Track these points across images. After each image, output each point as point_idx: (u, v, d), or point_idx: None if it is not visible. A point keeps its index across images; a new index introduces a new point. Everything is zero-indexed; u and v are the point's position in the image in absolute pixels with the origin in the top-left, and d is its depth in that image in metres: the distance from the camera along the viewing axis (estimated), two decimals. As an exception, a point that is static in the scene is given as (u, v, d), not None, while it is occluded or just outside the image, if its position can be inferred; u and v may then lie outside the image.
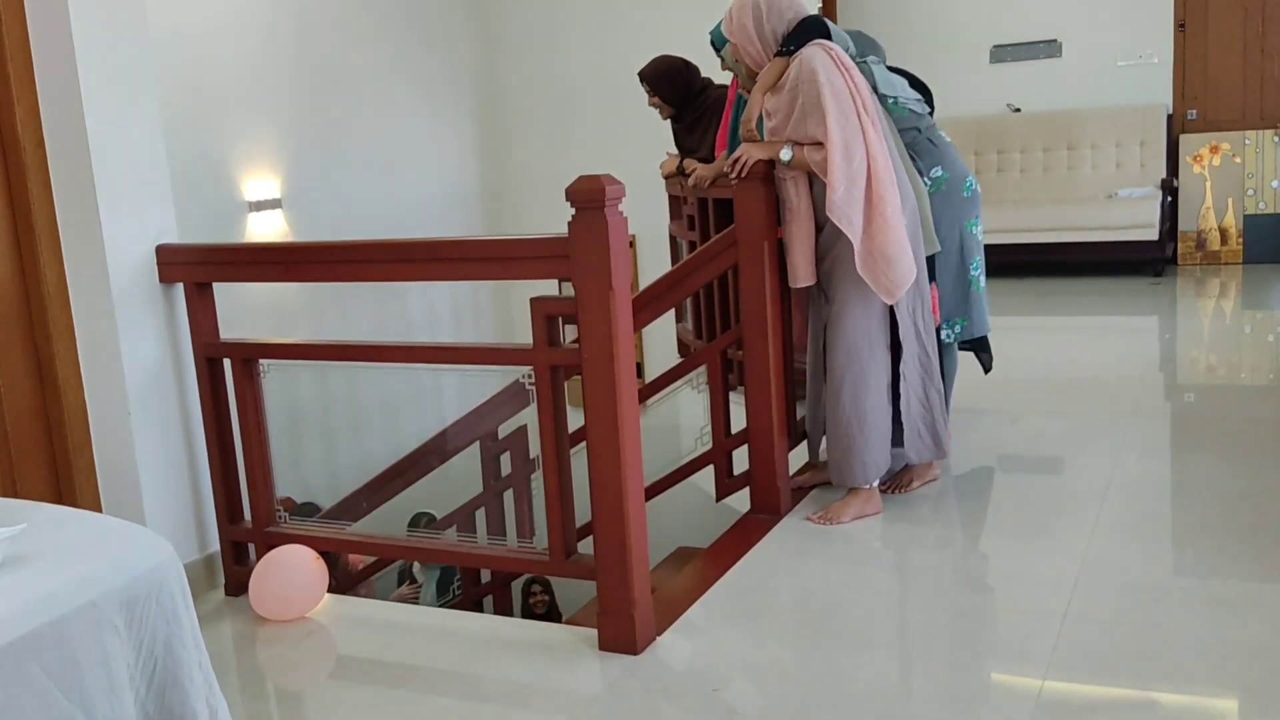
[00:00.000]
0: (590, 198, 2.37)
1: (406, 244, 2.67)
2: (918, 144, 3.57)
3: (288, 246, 2.97)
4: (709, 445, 3.50)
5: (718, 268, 3.37)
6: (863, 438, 3.21)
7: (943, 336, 3.61)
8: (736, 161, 3.21)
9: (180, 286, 2.95)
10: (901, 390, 3.24)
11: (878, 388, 3.22)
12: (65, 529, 1.59)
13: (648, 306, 3.46)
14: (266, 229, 5.34)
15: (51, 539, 1.51)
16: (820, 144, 3.06)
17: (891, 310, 3.20)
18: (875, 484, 3.31)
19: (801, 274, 3.23)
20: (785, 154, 3.12)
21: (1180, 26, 7.41)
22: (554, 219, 7.04)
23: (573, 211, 2.41)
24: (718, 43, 3.90)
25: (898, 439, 3.36)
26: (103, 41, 2.81)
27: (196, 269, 2.90)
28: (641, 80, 4.53)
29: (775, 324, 3.25)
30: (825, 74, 3.05)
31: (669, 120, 4.61)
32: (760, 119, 3.28)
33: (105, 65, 2.82)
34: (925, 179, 3.53)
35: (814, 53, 3.11)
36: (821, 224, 3.21)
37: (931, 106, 3.62)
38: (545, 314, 2.52)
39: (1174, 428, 4.25)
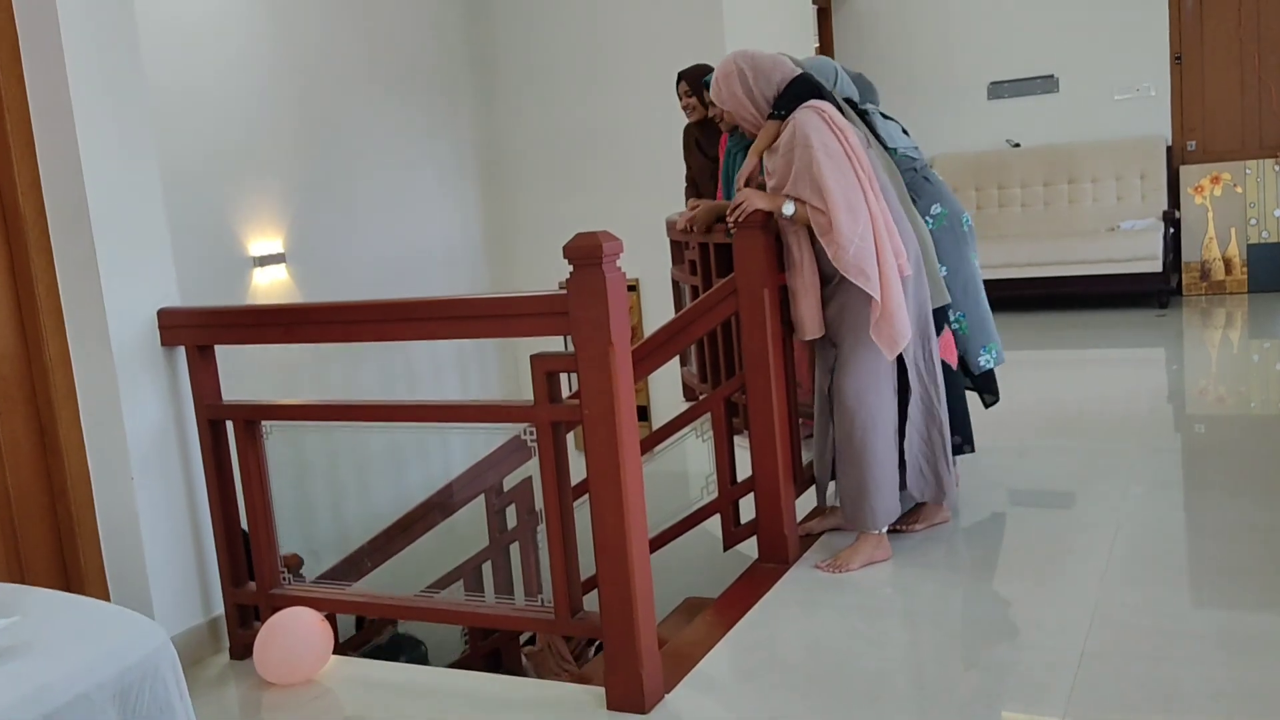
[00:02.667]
0: (588, 254, 2.37)
1: (406, 304, 2.67)
2: (915, 183, 3.59)
3: (288, 308, 2.97)
4: (715, 494, 3.48)
5: (718, 316, 3.37)
6: (872, 483, 3.19)
7: (981, 363, 3.62)
8: (737, 207, 3.21)
9: (182, 349, 2.95)
10: (906, 429, 3.23)
11: (886, 433, 3.20)
12: (59, 617, 1.57)
13: (649, 357, 3.44)
14: (270, 283, 5.36)
15: (45, 628, 1.50)
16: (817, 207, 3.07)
17: (900, 355, 3.19)
18: (884, 530, 3.28)
19: (809, 327, 3.22)
20: (788, 209, 3.12)
21: (1177, 59, 7.45)
22: (558, 268, 7.04)
23: (571, 268, 2.41)
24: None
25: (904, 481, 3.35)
26: (102, 109, 2.83)
27: (198, 332, 2.91)
28: (681, 79, 4.63)
29: (778, 372, 3.24)
30: (819, 138, 3.06)
31: (693, 125, 4.70)
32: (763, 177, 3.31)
33: (105, 132, 2.84)
34: (927, 217, 3.55)
35: (806, 117, 3.12)
36: (827, 275, 3.20)
37: None
38: (546, 370, 2.51)
39: (1184, 462, 4.22)
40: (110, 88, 2.87)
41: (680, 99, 4.77)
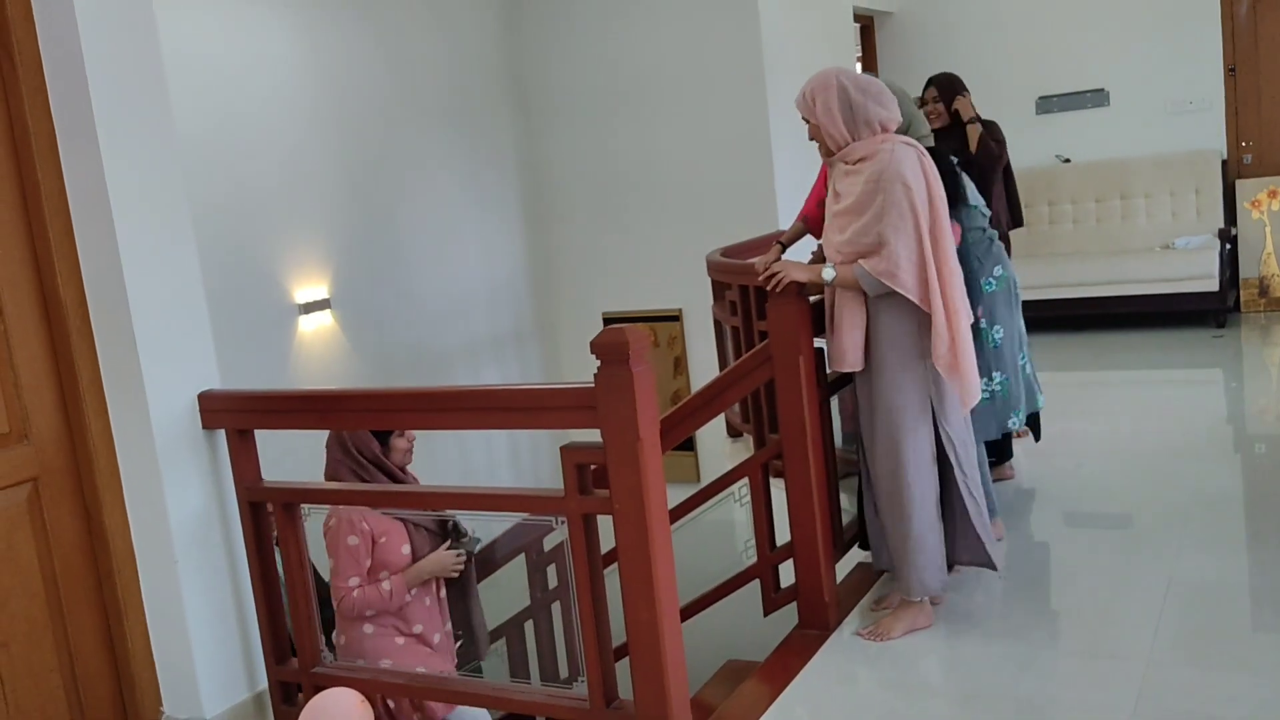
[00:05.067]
0: (615, 352, 2.36)
1: (436, 393, 2.69)
2: (981, 244, 3.62)
3: (324, 395, 3.01)
4: (755, 559, 3.46)
5: (754, 382, 3.35)
6: (916, 551, 3.14)
7: (1010, 425, 3.66)
8: (773, 276, 3.18)
9: (223, 432, 2.99)
10: (952, 498, 3.19)
11: (927, 498, 3.14)
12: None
13: (686, 421, 3.44)
14: (315, 330, 5.42)
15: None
16: (879, 250, 3.00)
17: (936, 424, 3.13)
18: (927, 599, 3.25)
19: (850, 358, 3.13)
20: (829, 274, 3.07)
21: (1230, 71, 7.27)
22: (601, 303, 6.98)
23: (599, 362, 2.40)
24: None
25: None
26: (138, 197, 2.88)
27: (237, 416, 2.95)
28: (931, 84, 4.60)
29: (815, 439, 3.21)
30: (916, 182, 2.97)
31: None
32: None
33: (141, 220, 2.88)
34: (989, 279, 3.62)
35: (905, 154, 3.00)
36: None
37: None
38: (575, 462, 2.50)
39: (1244, 504, 4.11)
40: (146, 177, 2.91)
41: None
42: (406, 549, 2.98)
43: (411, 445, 3.02)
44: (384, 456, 2.93)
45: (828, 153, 3.17)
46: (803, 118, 3.19)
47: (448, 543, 3.03)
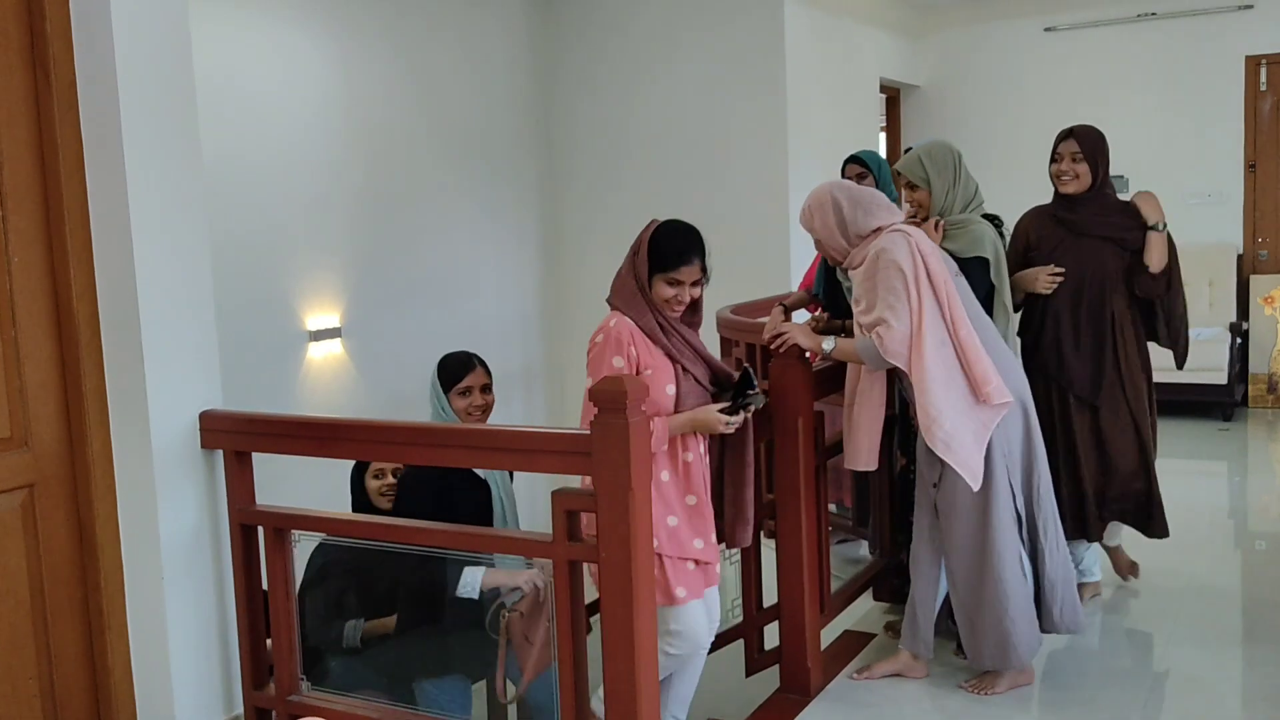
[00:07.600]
0: (612, 400, 2.38)
1: (433, 429, 2.71)
2: None
3: (325, 423, 3.04)
4: (740, 618, 3.45)
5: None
6: (1013, 623, 3.15)
7: None
8: (778, 337, 3.21)
9: (220, 453, 3.01)
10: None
11: (1011, 570, 3.13)
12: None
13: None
14: (324, 357, 5.46)
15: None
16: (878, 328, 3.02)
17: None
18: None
19: (864, 459, 3.16)
20: (828, 345, 3.11)
21: (1251, 167, 7.32)
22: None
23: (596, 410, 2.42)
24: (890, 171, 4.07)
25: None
26: (159, 218, 2.92)
27: (237, 438, 2.97)
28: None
29: (809, 502, 3.22)
30: (904, 260, 2.99)
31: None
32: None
33: (160, 239, 2.92)
34: None
35: (892, 242, 3.03)
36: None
37: None
38: (565, 508, 2.52)
39: (1243, 607, 4.07)
40: (168, 198, 2.96)
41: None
42: (671, 389, 2.79)
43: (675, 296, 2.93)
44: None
45: (835, 262, 3.25)
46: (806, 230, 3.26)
47: (728, 399, 2.76)
